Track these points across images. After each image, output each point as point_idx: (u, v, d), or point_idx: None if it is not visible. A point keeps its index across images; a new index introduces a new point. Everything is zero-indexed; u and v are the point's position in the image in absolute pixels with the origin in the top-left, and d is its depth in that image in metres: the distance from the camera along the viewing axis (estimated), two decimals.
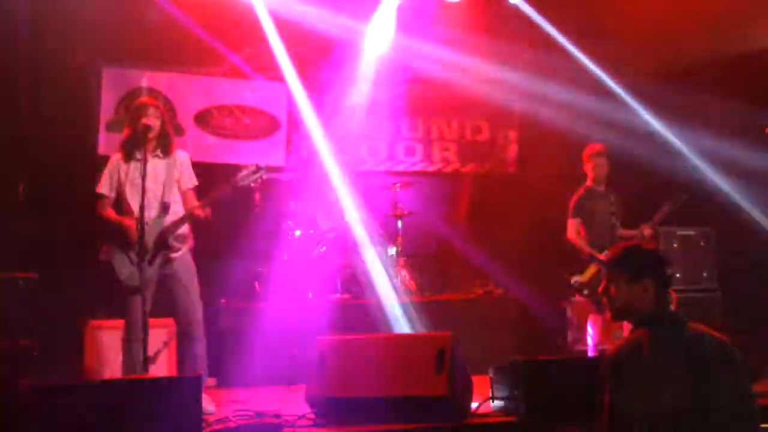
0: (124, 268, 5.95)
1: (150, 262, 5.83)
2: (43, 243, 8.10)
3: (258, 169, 6.19)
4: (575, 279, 7.49)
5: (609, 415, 3.54)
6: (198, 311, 6.11)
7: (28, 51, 8.52)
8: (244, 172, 6.17)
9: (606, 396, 3.57)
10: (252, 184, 6.26)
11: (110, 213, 6.08)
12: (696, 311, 8.31)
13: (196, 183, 6.31)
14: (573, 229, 7.67)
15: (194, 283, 6.14)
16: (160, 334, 7.02)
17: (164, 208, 6.07)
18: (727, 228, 8.96)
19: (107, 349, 7.19)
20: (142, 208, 5.72)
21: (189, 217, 6.12)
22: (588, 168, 7.77)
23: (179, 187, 6.21)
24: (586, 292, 7.42)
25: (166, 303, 6.08)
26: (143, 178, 5.75)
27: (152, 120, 6.02)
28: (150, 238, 5.86)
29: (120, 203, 6.11)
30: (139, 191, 5.77)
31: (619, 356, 3.60)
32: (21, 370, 6.31)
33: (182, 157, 6.27)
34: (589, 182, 7.77)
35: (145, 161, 5.83)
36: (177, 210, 6.13)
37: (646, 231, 7.56)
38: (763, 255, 8.53)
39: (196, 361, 6.05)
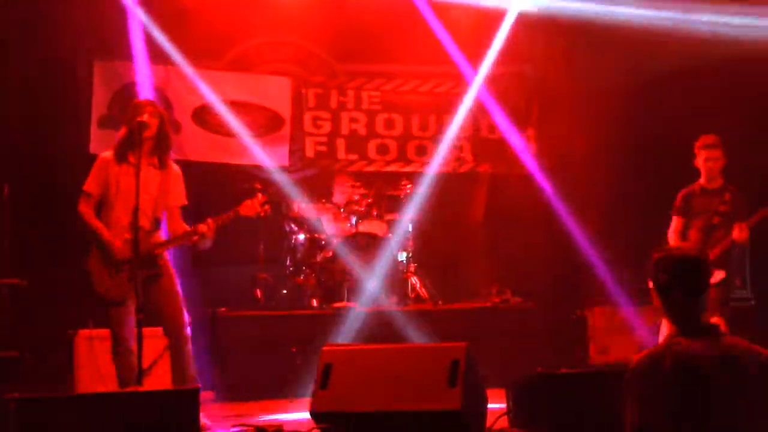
0: (105, 279, 5.95)
1: (134, 274, 5.79)
2: (31, 247, 8.12)
3: (266, 201, 6.35)
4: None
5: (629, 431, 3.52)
6: (184, 317, 6.12)
7: (18, 45, 8.55)
8: (251, 202, 6.30)
9: (628, 414, 3.54)
10: (261, 215, 6.41)
11: (91, 215, 6.03)
12: (729, 323, 8.27)
13: (186, 203, 6.32)
14: (671, 227, 7.51)
15: (178, 290, 6.15)
16: (156, 345, 7.02)
17: (156, 224, 6.08)
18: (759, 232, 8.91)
19: (100, 361, 7.18)
20: (135, 213, 5.70)
21: (185, 238, 6.16)
22: (699, 162, 7.42)
23: (167, 203, 6.21)
24: None
25: (150, 312, 6.05)
26: (138, 181, 5.74)
27: (149, 118, 6.00)
28: (139, 251, 5.82)
29: (106, 208, 6.07)
30: (128, 197, 5.77)
31: (637, 369, 3.56)
32: (7, 382, 6.33)
33: (176, 172, 6.27)
34: (702, 179, 7.45)
35: (139, 165, 5.81)
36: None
37: (735, 233, 7.17)
38: None
39: (191, 370, 6.05)
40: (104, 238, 5.93)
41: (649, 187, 9.29)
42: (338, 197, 9.51)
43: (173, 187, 6.21)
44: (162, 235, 6.17)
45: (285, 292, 9.02)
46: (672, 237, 7.47)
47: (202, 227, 6.11)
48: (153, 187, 6.08)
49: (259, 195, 6.39)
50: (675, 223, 7.50)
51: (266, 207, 6.40)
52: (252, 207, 6.31)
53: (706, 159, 7.36)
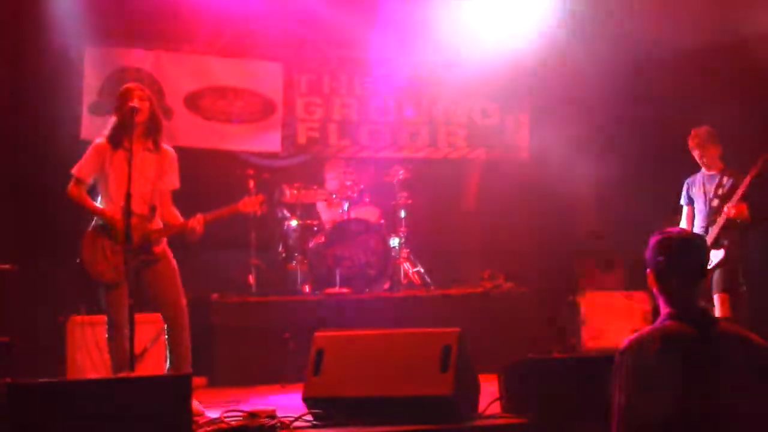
0: (100, 262, 5.95)
1: (131, 257, 5.78)
2: (22, 233, 8.09)
3: (264, 201, 6.47)
4: None
5: (618, 415, 3.52)
6: (184, 302, 6.14)
7: (7, 31, 8.51)
8: (250, 200, 6.39)
9: (616, 395, 3.55)
10: (257, 213, 6.56)
11: (85, 196, 6.03)
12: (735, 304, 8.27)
13: (178, 186, 6.31)
14: (682, 216, 7.74)
15: (177, 276, 6.15)
16: (148, 330, 7.02)
17: (152, 211, 6.07)
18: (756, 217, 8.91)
19: (92, 347, 7.19)
20: (128, 197, 5.70)
21: (183, 230, 6.15)
22: (695, 156, 7.65)
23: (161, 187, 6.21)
24: None
25: (146, 297, 6.06)
26: (130, 166, 5.74)
27: (139, 102, 5.99)
28: (134, 235, 5.82)
29: (101, 192, 6.06)
30: (125, 183, 5.76)
31: (626, 351, 3.57)
32: None
33: (172, 155, 6.27)
34: (703, 168, 7.67)
35: (131, 149, 5.80)
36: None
37: (728, 211, 7.31)
38: None
39: (187, 356, 6.06)
40: (105, 216, 5.94)
41: (644, 172, 9.32)
42: (330, 183, 9.50)
43: (168, 171, 6.21)
44: (158, 222, 6.16)
45: (277, 278, 9.02)
46: (684, 225, 7.65)
47: (192, 222, 6.13)
48: (150, 171, 6.08)
49: (260, 195, 6.48)
50: (685, 211, 7.74)
51: (264, 206, 6.48)
52: (251, 204, 6.37)
53: (700, 156, 7.61)
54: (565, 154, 9.70)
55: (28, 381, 4.82)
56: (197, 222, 6.14)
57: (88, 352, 7.25)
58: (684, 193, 7.77)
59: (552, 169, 9.90)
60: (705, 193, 7.59)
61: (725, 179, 7.52)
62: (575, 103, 9.82)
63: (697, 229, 7.50)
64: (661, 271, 3.63)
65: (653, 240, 3.69)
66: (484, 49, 9.76)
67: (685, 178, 7.77)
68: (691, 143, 7.62)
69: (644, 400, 3.45)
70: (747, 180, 7.28)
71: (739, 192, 7.31)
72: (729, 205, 7.30)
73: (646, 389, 3.45)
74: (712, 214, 7.50)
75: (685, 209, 7.76)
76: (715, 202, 7.50)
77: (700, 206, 7.62)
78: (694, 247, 3.67)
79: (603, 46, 9.51)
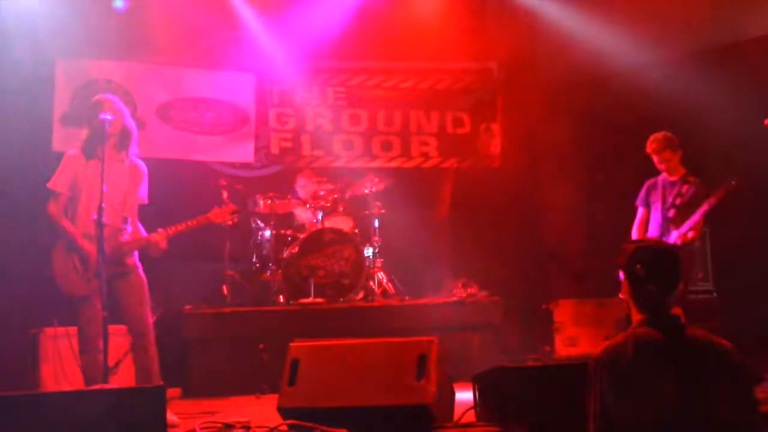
0: (71, 276, 5.91)
1: (103, 269, 5.74)
2: None
3: (235, 211, 6.45)
4: None
5: (594, 422, 3.55)
6: (149, 318, 6.11)
7: None
8: (221, 210, 6.36)
9: (591, 402, 3.58)
10: (229, 224, 6.50)
11: (62, 217, 5.96)
12: (691, 315, 8.34)
13: (146, 202, 6.30)
14: (636, 218, 7.71)
15: (145, 290, 6.12)
16: (121, 343, 6.98)
17: (125, 221, 6.04)
18: (721, 225, 9.00)
19: (65, 359, 7.13)
20: (100, 209, 5.66)
21: (148, 244, 6.13)
22: (655, 162, 7.63)
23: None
24: None
25: (116, 308, 6.02)
26: (103, 178, 5.71)
27: (111, 114, 5.96)
28: (106, 246, 5.77)
29: (74, 204, 6.02)
30: (97, 193, 5.74)
31: (600, 358, 3.60)
32: None
33: (141, 170, 6.25)
34: (663, 173, 7.67)
35: (104, 161, 5.78)
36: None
37: (690, 235, 7.33)
38: (760, 252, 8.60)
39: (155, 368, 6.02)
40: (77, 244, 5.90)
41: (615, 180, 9.37)
42: (302, 192, 9.48)
43: (137, 185, 6.19)
44: (128, 233, 6.12)
45: (251, 288, 9.01)
46: (636, 228, 7.62)
47: (154, 236, 6.11)
48: (122, 182, 6.06)
49: (230, 205, 6.43)
50: (640, 214, 7.71)
51: (235, 216, 6.45)
52: (221, 215, 6.35)
53: (659, 162, 7.61)
54: (537, 163, 9.76)
55: (1, 394, 4.78)
56: (159, 237, 6.11)
57: (60, 364, 7.19)
58: (642, 194, 7.72)
59: (524, 178, 9.96)
60: (663, 200, 7.57)
61: (685, 188, 7.51)
62: (546, 111, 9.88)
63: (650, 235, 7.52)
64: (637, 279, 3.66)
65: (629, 248, 3.72)
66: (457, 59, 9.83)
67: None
68: (648, 149, 7.61)
69: (619, 407, 3.48)
70: (705, 208, 7.27)
71: (697, 218, 7.30)
72: (689, 232, 7.29)
73: (621, 396, 3.48)
74: (666, 224, 7.50)
75: (640, 211, 7.70)
76: (672, 213, 7.48)
77: (656, 213, 7.59)
78: (672, 257, 3.71)
79: (573, 54, 9.60)
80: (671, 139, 7.59)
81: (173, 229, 6.16)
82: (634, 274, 3.67)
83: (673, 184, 7.59)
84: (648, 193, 7.70)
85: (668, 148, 7.56)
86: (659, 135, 7.62)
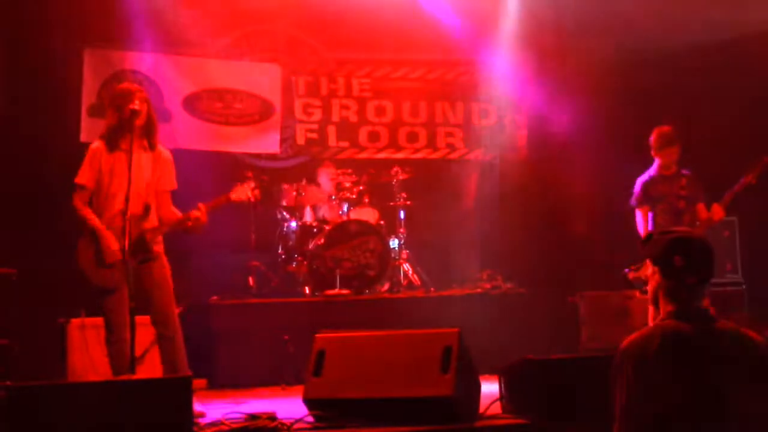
0: (97, 267, 5.92)
1: (127, 261, 5.75)
2: (22, 237, 8.09)
3: (256, 186, 6.39)
4: (634, 274, 7.31)
5: (619, 413, 3.52)
6: (174, 309, 6.10)
7: (5, 33, 8.50)
8: (242, 188, 6.30)
9: (617, 395, 3.54)
10: (251, 200, 6.45)
11: (88, 211, 5.96)
12: (720, 307, 8.26)
13: (176, 187, 6.27)
14: (639, 220, 7.57)
15: (169, 280, 6.12)
16: (148, 333, 7.00)
17: (147, 209, 6.04)
18: (751, 216, 8.91)
19: (92, 349, 7.17)
20: (127, 200, 5.67)
21: (178, 225, 6.13)
22: (657, 155, 7.53)
23: (158, 188, 6.17)
24: (645, 288, 7.20)
25: (141, 297, 6.03)
26: (129, 170, 5.72)
27: (140, 105, 5.95)
28: (131, 237, 5.78)
29: (99, 196, 6.01)
30: (123, 185, 5.74)
31: (626, 351, 3.56)
32: None
33: (167, 156, 6.23)
34: (655, 168, 7.56)
35: (131, 151, 5.78)
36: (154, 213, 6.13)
37: (716, 215, 7.27)
38: None
39: (182, 358, 6.03)
40: (102, 239, 5.90)
41: (644, 169, 9.29)
42: (327, 184, 9.47)
43: (164, 171, 6.19)
44: (153, 220, 6.13)
45: (277, 279, 9.02)
46: (644, 227, 7.49)
47: (195, 213, 6.08)
48: (146, 170, 6.05)
49: (250, 180, 6.39)
50: (642, 213, 7.56)
51: (256, 192, 6.39)
52: (243, 192, 6.29)
53: (666, 155, 7.45)
54: (563, 154, 9.70)
55: (28, 383, 4.81)
56: (200, 212, 6.09)
57: (88, 354, 7.23)
58: (639, 194, 7.57)
59: (550, 169, 9.90)
60: (668, 194, 7.46)
61: (684, 181, 7.45)
62: (572, 102, 9.81)
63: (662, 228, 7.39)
64: (674, 271, 3.59)
65: (664, 239, 3.65)
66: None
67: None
68: (653, 142, 7.50)
69: (645, 399, 3.44)
70: (742, 183, 7.20)
71: (731, 195, 7.23)
72: (717, 207, 7.22)
73: (647, 388, 3.45)
74: (680, 215, 7.39)
75: (642, 211, 7.57)
76: (682, 203, 7.41)
77: (659, 210, 7.47)
78: (708, 248, 3.65)
79: (599, 44, 9.53)
80: (674, 133, 7.50)
81: (211, 204, 6.15)
82: (672, 266, 3.60)
83: (671, 177, 7.50)
84: (647, 191, 7.56)
85: (674, 143, 7.47)
86: (663, 129, 7.51)
